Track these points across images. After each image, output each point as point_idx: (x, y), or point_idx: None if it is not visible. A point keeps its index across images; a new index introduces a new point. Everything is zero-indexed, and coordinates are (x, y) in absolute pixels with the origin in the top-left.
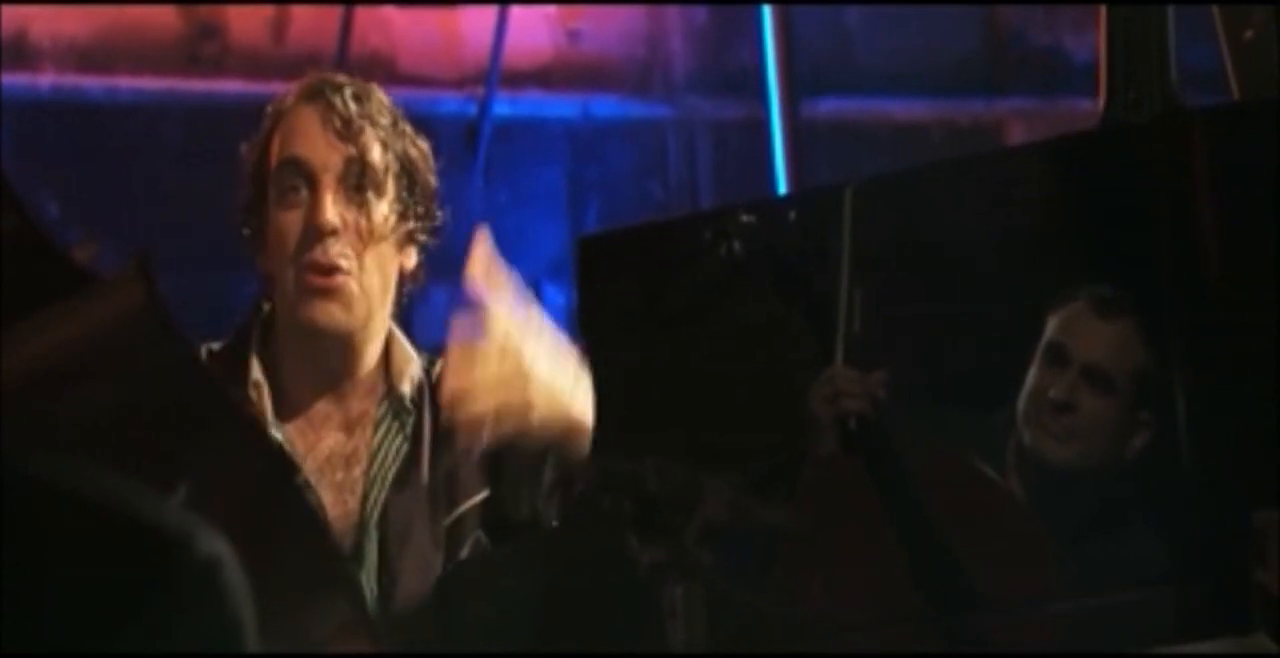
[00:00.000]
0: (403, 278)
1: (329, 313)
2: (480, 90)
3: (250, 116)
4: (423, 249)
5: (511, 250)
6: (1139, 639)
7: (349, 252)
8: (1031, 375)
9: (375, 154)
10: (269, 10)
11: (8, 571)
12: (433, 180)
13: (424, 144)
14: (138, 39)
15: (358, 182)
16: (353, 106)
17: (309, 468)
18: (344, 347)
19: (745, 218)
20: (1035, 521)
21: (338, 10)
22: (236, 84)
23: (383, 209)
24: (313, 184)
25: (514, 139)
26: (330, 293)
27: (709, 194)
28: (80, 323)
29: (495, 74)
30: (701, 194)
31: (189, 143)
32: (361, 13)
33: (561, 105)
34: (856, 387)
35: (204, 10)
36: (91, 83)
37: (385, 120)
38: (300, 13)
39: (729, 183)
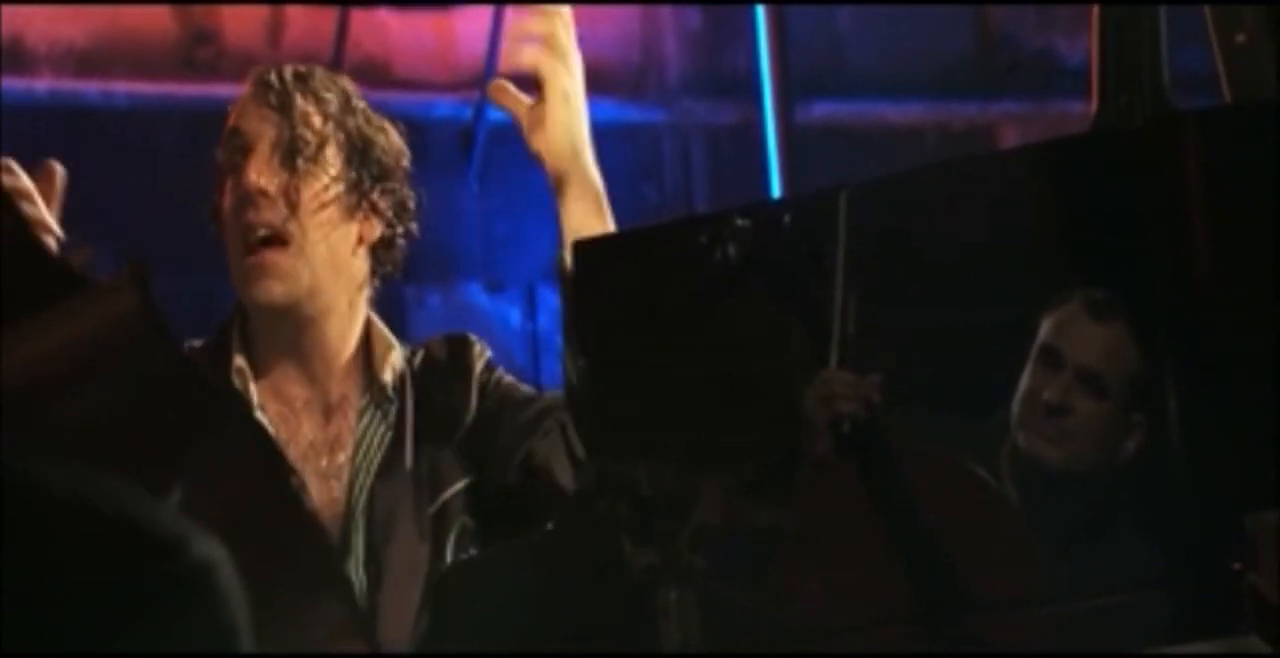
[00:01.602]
0: (365, 247)
1: (268, 289)
2: (475, 94)
3: None
4: (391, 225)
5: (507, 254)
6: (1132, 641)
7: (281, 217)
8: (1025, 378)
9: (312, 124)
10: (264, 15)
11: (4, 573)
12: (396, 159)
13: (386, 125)
14: (134, 43)
15: (290, 149)
16: (289, 81)
17: (292, 455)
18: (300, 321)
19: (740, 221)
20: (1029, 522)
21: (333, 14)
22: (232, 88)
23: (322, 178)
24: (248, 152)
25: (509, 142)
26: (265, 269)
27: (704, 198)
28: (76, 326)
29: (490, 78)
30: (696, 198)
31: (185, 146)
32: (357, 17)
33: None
34: (851, 390)
35: (200, 15)
36: (88, 87)
37: (331, 96)
38: (296, 17)
39: (724, 186)
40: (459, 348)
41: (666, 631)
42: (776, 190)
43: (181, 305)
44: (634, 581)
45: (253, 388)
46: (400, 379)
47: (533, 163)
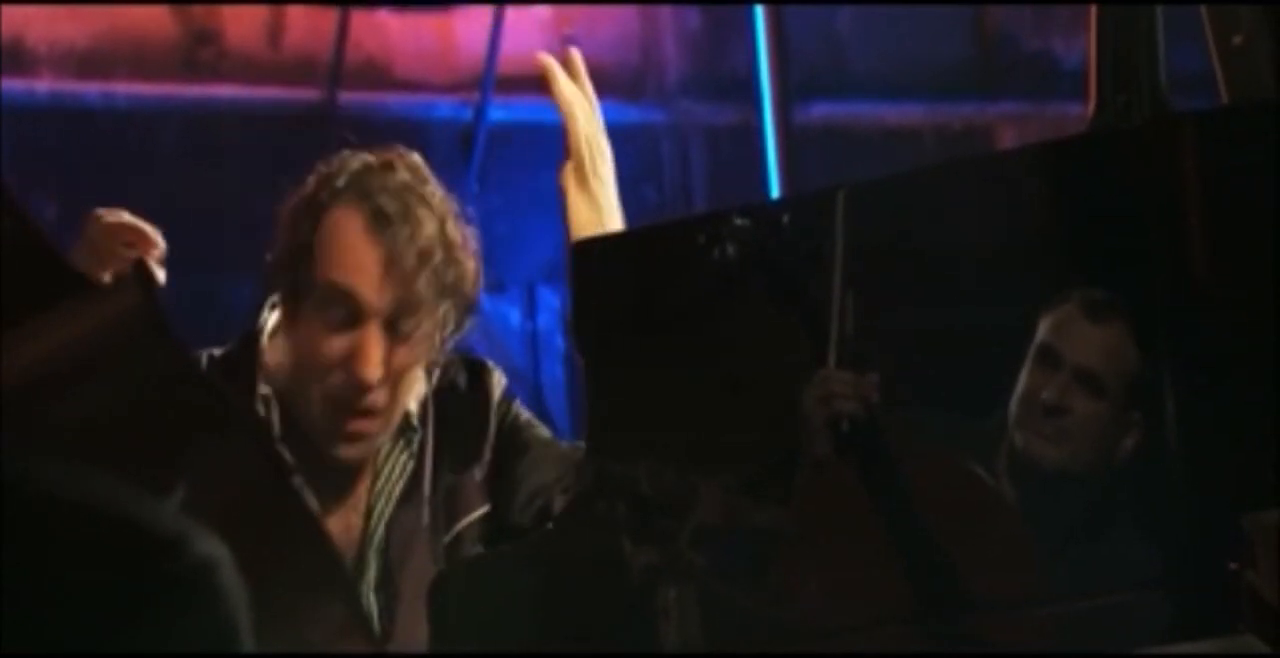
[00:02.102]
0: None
1: (357, 451)
2: (475, 95)
3: (246, 121)
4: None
5: (507, 254)
6: (1129, 640)
7: (384, 399)
8: (1023, 378)
9: (421, 285)
10: (265, 16)
11: (6, 572)
12: (478, 289)
13: (470, 245)
14: (135, 45)
15: (405, 322)
16: (412, 238)
17: (308, 482)
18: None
19: (739, 222)
20: (1027, 522)
21: (333, 16)
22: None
23: (422, 336)
24: (361, 323)
25: (509, 144)
26: (356, 437)
27: (703, 198)
28: (78, 326)
29: (490, 79)
30: (695, 198)
31: (186, 147)
32: (357, 18)
33: (556, 110)
34: (850, 389)
35: (201, 16)
36: (89, 88)
37: (432, 235)
38: (296, 18)
39: (723, 187)
40: (477, 375)
41: (666, 630)
42: (775, 191)
43: (182, 306)
44: (634, 580)
45: (275, 417)
46: (423, 407)
47: (532, 163)
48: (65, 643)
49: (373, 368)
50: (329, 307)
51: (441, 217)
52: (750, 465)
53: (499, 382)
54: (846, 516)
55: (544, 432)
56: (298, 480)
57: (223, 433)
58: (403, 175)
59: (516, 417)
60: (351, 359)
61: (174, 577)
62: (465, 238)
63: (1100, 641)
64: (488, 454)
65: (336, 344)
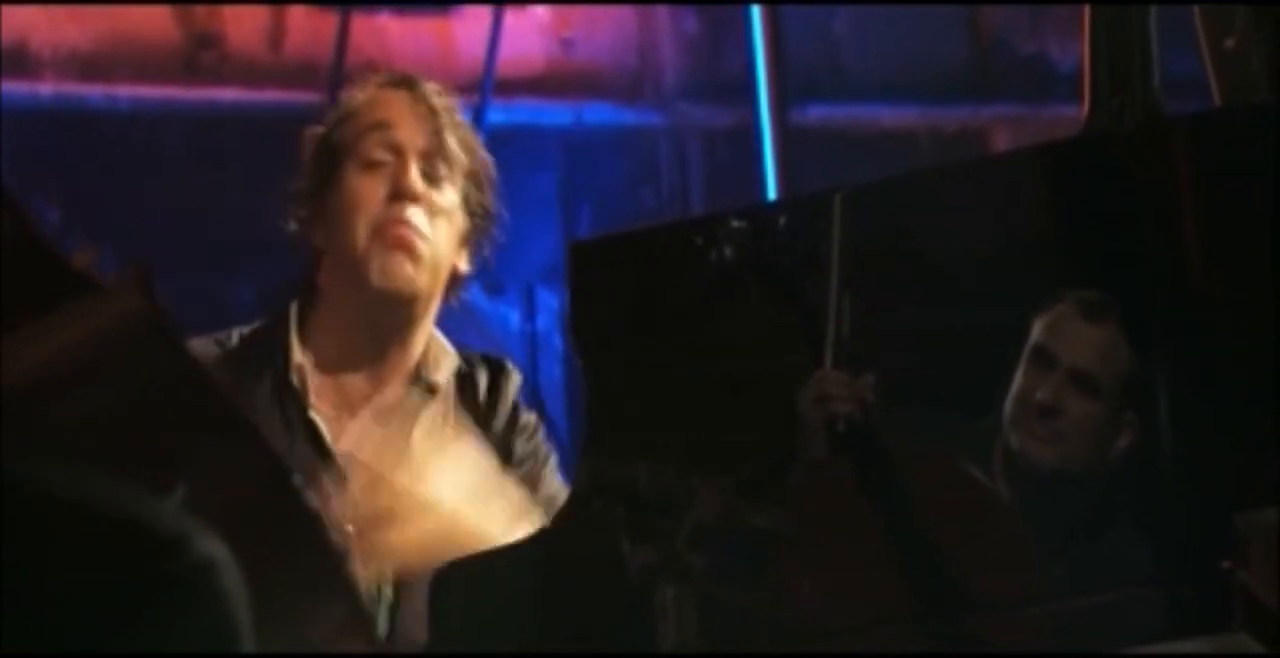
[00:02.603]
0: (454, 278)
1: (402, 267)
2: (474, 98)
3: (248, 123)
4: (474, 259)
5: (505, 255)
6: (1124, 639)
7: (425, 221)
8: (1018, 379)
9: (452, 144)
10: (266, 19)
11: (7, 572)
12: (493, 192)
13: (488, 159)
14: (137, 48)
15: (436, 165)
16: (436, 99)
17: (339, 450)
18: (402, 318)
19: (736, 223)
20: (1022, 522)
21: (334, 19)
22: (234, 92)
23: (451, 200)
24: (399, 154)
25: (507, 146)
26: (408, 247)
27: (700, 200)
28: (80, 328)
29: (489, 82)
30: (693, 200)
31: (188, 150)
32: (357, 21)
33: (554, 113)
34: (845, 390)
35: (202, 20)
36: (91, 91)
37: (461, 120)
38: (297, 22)
39: (720, 189)
40: (498, 373)
41: (664, 630)
42: (772, 193)
43: (183, 306)
44: (632, 580)
45: (311, 384)
46: (446, 382)
47: (530, 166)
48: (66, 643)
49: (414, 179)
50: (369, 150)
51: (469, 131)
52: (748, 466)
53: (518, 386)
54: (843, 516)
55: (546, 449)
56: (298, 479)
57: (223, 434)
58: (439, 87)
59: (527, 424)
60: (394, 179)
61: (175, 577)
62: (486, 164)
63: (1095, 640)
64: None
65: (377, 180)
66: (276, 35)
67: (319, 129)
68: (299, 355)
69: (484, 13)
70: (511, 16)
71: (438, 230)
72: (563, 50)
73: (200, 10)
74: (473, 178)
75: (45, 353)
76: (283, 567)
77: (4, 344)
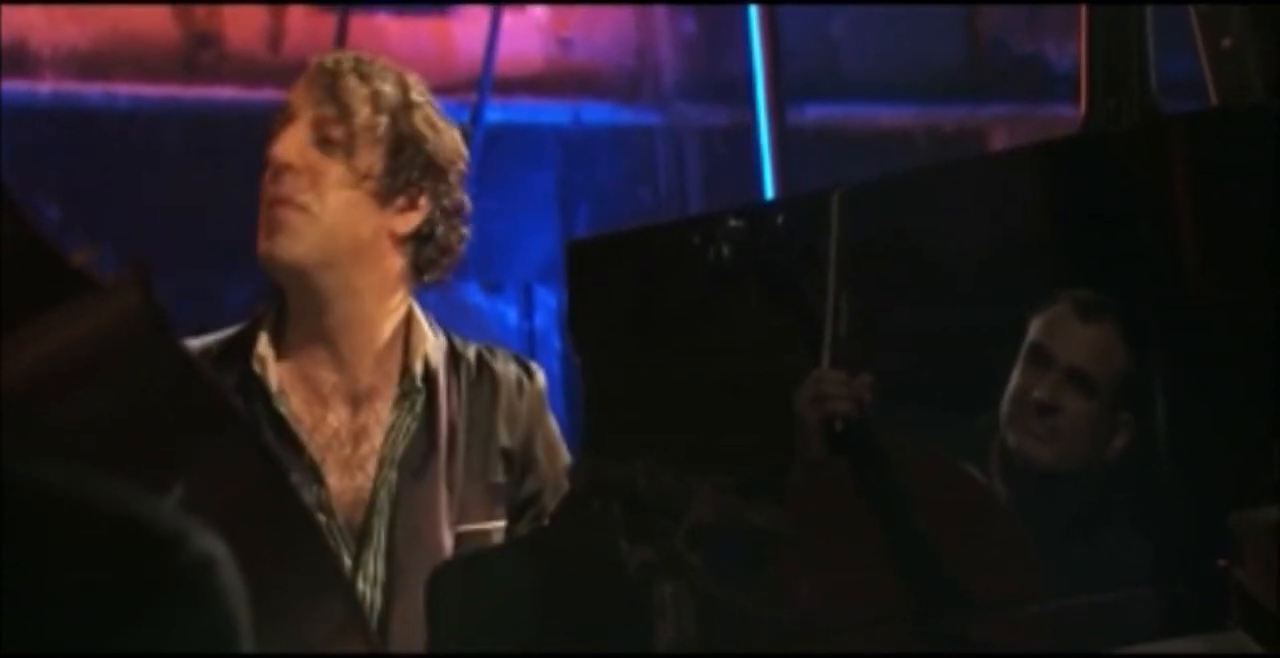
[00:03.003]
0: (396, 239)
1: (276, 246)
2: (472, 97)
3: (247, 123)
4: (431, 223)
5: (504, 254)
6: (1121, 638)
7: (301, 189)
8: (1015, 378)
9: (356, 110)
10: (265, 19)
11: (5, 571)
12: (450, 162)
13: (448, 129)
14: (136, 47)
15: (333, 131)
16: (346, 65)
17: (316, 442)
18: (319, 294)
19: (733, 222)
20: (1018, 521)
21: (333, 19)
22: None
23: (355, 163)
24: (289, 121)
25: (506, 145)
26: (276, 223)
27: (698, 199)
28: (79, 327)
29: (487, 81)
30: (690, 199)
31: (187, 149)
32: (356, 21)
33: (552, 112)
34: (843, 389)
35: (201, 19)
36: (91, 90)
37: (388, 87)
38: (296, 21)
39: (717, 188)
40: (521, 372)
41: (662, 629)
42: (770, 192)
43: (182, 306)
44: (630, 579)
45: (273, 375)
46: (433, 372)
47: (528, 165)
48: (64, 642)
49: (283, 148)
50: (272, 128)
51: (414, 86)
52: (745, 465)
53: (542, 391)
54: (840, 515)
55: (566, 455)
56: (296, 479)
57: (223, 433)
58: (360, 57)
59: (547, 430)
60: (271, 142)
61: (173, 575)
62: (443, 121)
63: (1092, 638)
64: (511, 462)
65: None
66: (275, 35)
67: None
68: (264, 348)
69: (482, 12)
70: (510, 16)
71: (328, 196)
72: (561, 50)
73: (199, 10)
74: (403, 141)
75: (44, 352)
76: (280, 566)
77: (2, 343)
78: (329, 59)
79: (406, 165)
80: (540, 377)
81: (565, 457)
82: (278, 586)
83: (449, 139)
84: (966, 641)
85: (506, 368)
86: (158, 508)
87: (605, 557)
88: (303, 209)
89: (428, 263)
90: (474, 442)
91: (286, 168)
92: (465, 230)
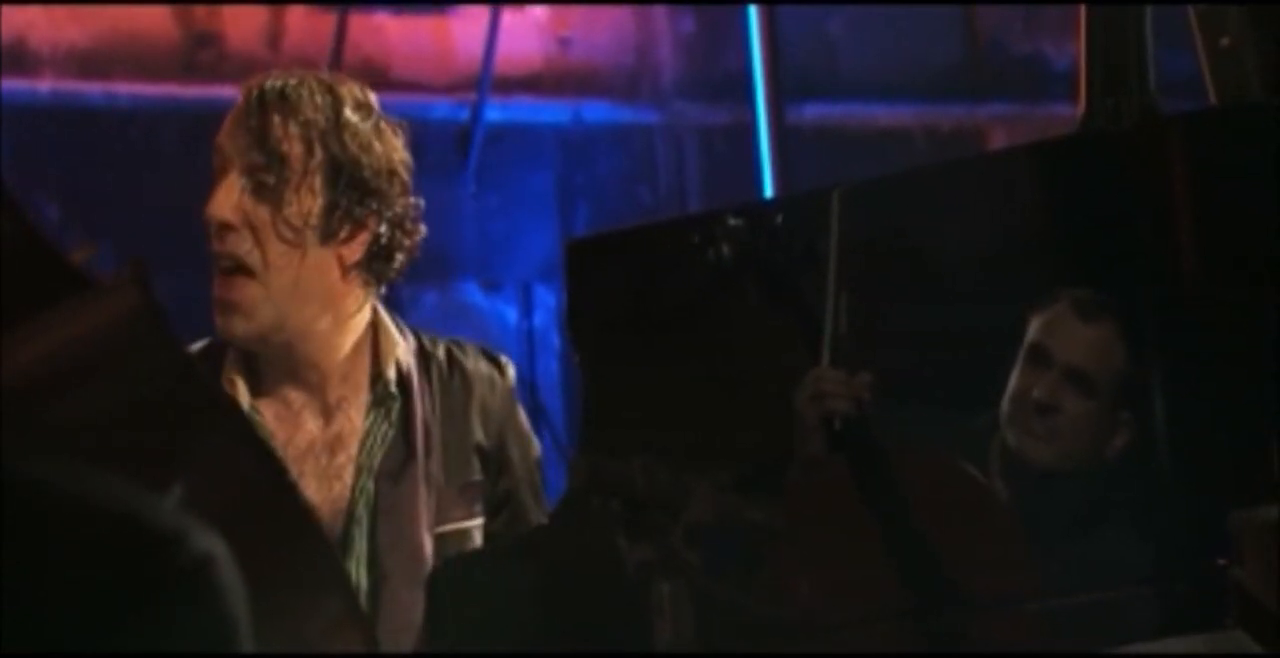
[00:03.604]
0: (346, 268)
1: (228, 325)
2: (472, 96)
3: None
4: (380, 241)
5: (503, 253)
6: (1120, 636)
7: (244, 249)
8: (1014, 377)
9: (287, 150)
10: (265, 18)
11: (3, 571)
12: (389, 177)
13: (384, 139)
14: (136, 46)
15: (259, 179)
16: (272, 102)
17: (291, 455)
18: (276, 347)
19: (733, 221)
20: (1018, 520)
21: (332, 18)
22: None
23: (293, 206)
24: (223, 172)
25: (505, 144)
26: (227, 305)
27: (697, 198)
28: (78, 325)
29: (487, 80)
30: (689, 198)
31: (186, 147)
32: (355, 20)
33: (552, 111)
34: (842, 388)
35: (201, 18)
36: (90, 88)
37: (316, 115)
38: (295, 21)
39: (717, 187)
40: (492, 368)
41: (660, 628)
42: (769, 191)
43: (182, 306)
44: (628, 577)
45: (243, 394)
46: (405, 375)
47: (528, 163)
48: (64, 640)
49: (216, 205)
50: (213, 175)
51: (347, 100)
52: (744, 463)
53: (511, 386)
54: (839, 513)
55: (536, 451)
56: (293, 478)
57: (221, 431)
58: (286, 85)
59: (519, 423)
60: (208, 200)
61: (172, 574)
62: (380, 132)
63: (1091, 637)
64: (485, 459)
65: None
66: (275, 34)
67: None
68: (231, 367)
69: (481, 12)
70: (509, 15)
71: (271, 252)
72: (560, 49)
73: (199, 9)
74: (336, 172)
75: (43, 350)
76: (279, 564)
77: (2, 341)
78: (254, 91)
79: (345, 195)
80: (510, 371)
81: (536, 450)
82: (276, 583)
83: (387, 149)
84: (966, 639)
85: (477, 365)
86: (157, 507)
87: (604, 556)
88: (250, 276)
89: (383, 272)
90: (450, 442)
91: (226, 227)
92: (418, 228)
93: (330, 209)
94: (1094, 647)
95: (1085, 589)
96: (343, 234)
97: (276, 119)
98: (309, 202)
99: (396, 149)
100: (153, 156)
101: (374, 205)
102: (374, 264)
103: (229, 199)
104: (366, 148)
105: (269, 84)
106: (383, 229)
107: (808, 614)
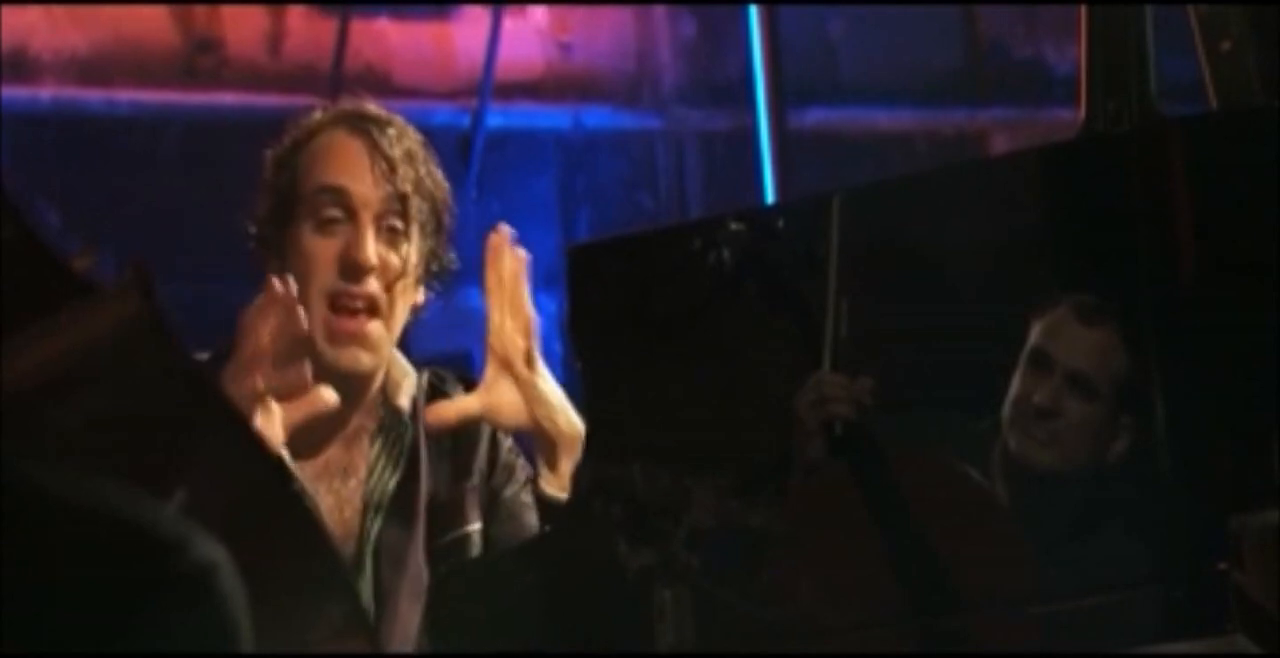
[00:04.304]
0: (417, 309)
1: (356, 358)
2: (473, 102)
3: (247, 128)
4: (431, 286)
5: None
6: (1120, 640)
7: (379, 291)
8: (1016, 381)
9: (412, 198)
10: (266, 24)
11: (5, 575)
12: (450, 220)
13: (445, 182)
14: (136, 52)
15: (395, 223)
16: (397, 148)
17: (307, 476)
18: (360, 384)
19: (734, 226)
20: (1019, 523)
21: (333, 23)
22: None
23: (411, 251)
24: (353, 217)
25: (506, 149)
26: (359, 338)
27: (698, 203)
28: (79, 331)
29: (488, 86)
30: (690, 203)
31: (187, 154)
32: (356, 26)
33: (553, 116)
34: (843, 392)
35: (202, 24)
36: (91, 95)
37: (419, 162)
38: (296, 26)
39: (718, 192)
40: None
41: (662, 631)
42: (770, 196)
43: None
44: (630, 582)
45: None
46: (414, 406)
47: (529, 169)
48: (65, 645)
49: (367, 253)
50: (321, 209)
51: (427, 158)
52: (746, 468)
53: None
54: (840, 518)
55: (528, 472)
56: (297, 484)
57: (223, 436)
58: (396, 127)
59: (507, 450)
60: (347, 249)
61: (174, 579)
62: (438, 171)
63: (1091, 640)
64: (479, 472)
65: (332, 243)
66: (276, 39)
67: (275, 151)
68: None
69: (482, 16)
70: (510, 20)
71: (395, 294)
72: (561, 54)
73: (199, 14)
74: (434, 218)
75: (45, 355)
76: (282, 569)
77: (4, 347)
78: (369, 122)
79: (437, 240)
80: None
81: (527, 470)
82: (279, 589)
83: (448, 195)
84: (966, 642)
85: (456, 393)
86: (159, 513)
87: (605, 562)
88: (376, 315)
89: (418, 312)
90: (442, 464)
91: (371, 270)
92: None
93: (431, 255)
94: (1095, 651)
95: (1086, 593)
96: (425, 278)
97: (402, 168)
98: (417, 245)
99: (444, 182)
100: (154, 163)
101: (441, 244)
102: (420, 310)
103: (371, 246)
104: (444, 189)
105: (392, 131)
106: (439, 276)
107: (809, 618)
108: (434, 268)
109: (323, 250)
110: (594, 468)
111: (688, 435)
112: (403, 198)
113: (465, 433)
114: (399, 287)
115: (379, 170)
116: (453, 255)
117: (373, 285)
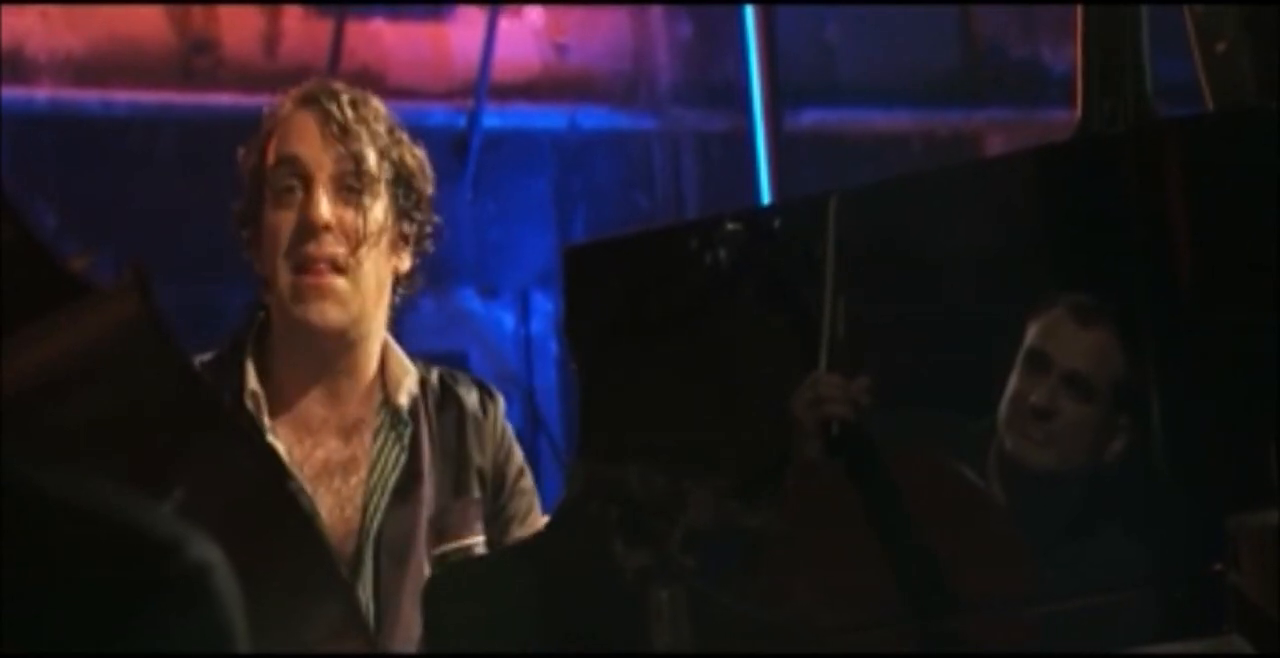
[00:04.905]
0: (396, 280)
1: (322, 311)
2: (469, 103)
3: (243, 129)
4: (417, 254)
5: (500, 260)
6: (1117, 641)
7: (342, 250)
8: (1012, 382)
9: (370, 158)
10: (261, 25)
11: (3, 574)
12: (428, 188)
13: (420, 152)
14: (133, 53)
15: (352, 183)
16: (349, 112)
17: (306, 475)
18: (341, 345)
19: (730, 227)
20: (1016, 524)
21: (329, 24)
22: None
23: (376, 212)
24: (307, 183)
25: (502, 150)
26: (323, 291)
27: (694, 204)
28: (77, 332)
29: (484, 87)
30: (687, 204)
31: (183, 155)
32: (352, 27)
33: (549, 117)
34: (840, 392)
35: (198, 25)
36: (88, 96)
37: (381, 127)
38: (292, 27)
39: (714, 193)
40: (484, 395)
41: (658, 632)
42: (766, 196)
43: (180, 312)
44: (627, 583)
45: (266, 412)
46: (414, 402)
47: (525, 170)
48: (60, 646)
49: (320, 210)
50: (279, 181)
51: (391, 127)
52: (742, 469)
53: (503, 417)
54: (837, 518)
55: (529, 482)
56: (294, 485)
57: (221, 437)
58: (350, 95)
59: (511, 454)
60: (303, 209)
61: (170, 580)
62: (412, 144)
63: (1088, 641)
64: (484, 481)
65: (290, 213)
66: (272, 40)
67: (247, 143)
68: (253, 382)
69: (478, 18)
70: (506, 21)
71: (361, 254)
72: (557, 55)
73: (196, 16)
74: (401, 181)
75: (43, 356)
76: (278, 570)
77: (3, 347)
78: (323, 96)
79: (407, 203)
80: (500, 401)
81: (530, 479)
82: (275, 588)
83: (426, 164)
84: (963, 643)
85: (469, 393)
86: (154, 514)
87: (602, 561)
88: (342, 271)
89: (408, 288)
90: (447, 466)
91: (327, 229)
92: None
93: (398, 217)
94: (1092, 651)
95: (1083, 594)
96: (402, 244)
97: (355, 128)
98: (385, 208)
99: (424, 159)
100: (150, 164)
101: (421, 214)
102: (402, 278)
103: (327, 202)
104: (415, 156)
105: (336, 91)
106: (427, 244)
107: (806, 619)
108: (408, 230)
109: (284, 220)
110: (590, 469)
111: (684, 436)
112: (356, 157)
113: (469, 434)
114: (366, 246)
115: (329, 134)
116: (433, 217)
117: (332, 244)
